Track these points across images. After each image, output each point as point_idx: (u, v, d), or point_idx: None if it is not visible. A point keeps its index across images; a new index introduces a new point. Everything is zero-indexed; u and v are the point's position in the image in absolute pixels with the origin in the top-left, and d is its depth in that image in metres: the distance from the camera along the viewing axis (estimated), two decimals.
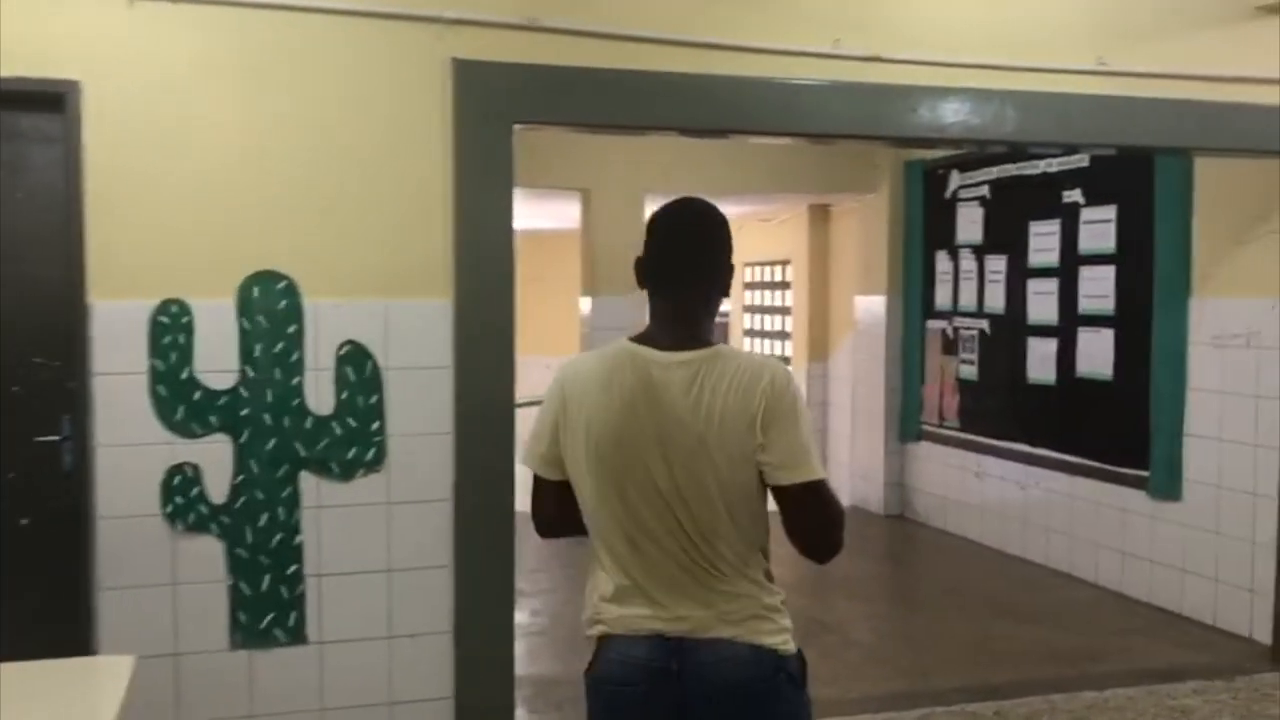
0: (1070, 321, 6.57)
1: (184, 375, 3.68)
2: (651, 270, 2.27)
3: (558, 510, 2.25)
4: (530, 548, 7.26)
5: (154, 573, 3.69)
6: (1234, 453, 5.50)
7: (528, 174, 7.78)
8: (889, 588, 6.64)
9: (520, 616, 5.69)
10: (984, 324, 7.41)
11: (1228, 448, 5.54)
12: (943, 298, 7.86)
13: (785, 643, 2.17)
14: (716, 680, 2.10)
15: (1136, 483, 6.08)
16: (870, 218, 8.49)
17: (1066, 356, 6.60)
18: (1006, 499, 7.19)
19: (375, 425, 3.85)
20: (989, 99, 4.43)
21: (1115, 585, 6.25)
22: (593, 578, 2.23)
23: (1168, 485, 5.87)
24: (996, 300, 7.27)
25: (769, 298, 10.84)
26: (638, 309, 7.14)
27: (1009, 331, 7.15)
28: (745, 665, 2.11)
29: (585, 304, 7.98)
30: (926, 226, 8.05)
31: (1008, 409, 7.18)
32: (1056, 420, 6.73)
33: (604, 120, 4.10)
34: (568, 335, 10.20)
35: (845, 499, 8.86)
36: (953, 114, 4.41)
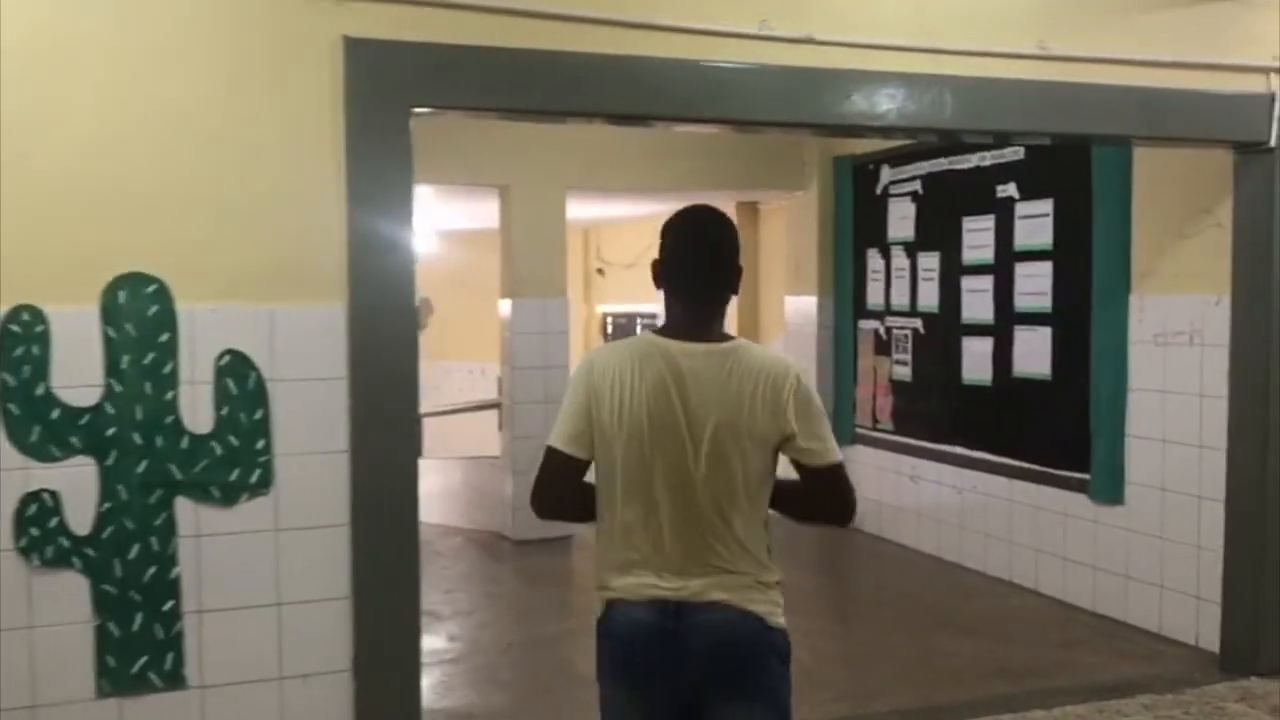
0: (1006, 320, 6.36)
1: (39, 391, 3.26)
2: (671, 273, 2.48)
3: (567, 490, 2.49)
4: (444, 566, 6.88)
5: (7, 615, 3.27)
6: (1178, 454, 5.31)
7: (439, 168, 7.44)
8: (825, 601, 6.37)
9: (435, 642, 5.33)
10: (917, 323, 7.19)
11: (1171, 449, 5.35)
12: (875, 297, 7.63)
13: (773, 613, 2.42)
14: (709, 638, 2.35)
15: (1077, 486, 5.88)
16: (799, 215, 8.24)
17: (1003, 356, 6.39)
18: (943, 504, 6.97)
19: (260, 444, 3.47)
20: (927, 85, 4.17)
21: (1057, 592, 6.04)
22: (602, 551, 2.47)
23: (1109, 488, 5.67)
24: (930, 299, 7.05)
25: None
26: (559, 313, 6.76)
27: (943, 331, 6.93)
28: (735, 627, 2.35)
29: (505, 307, 7.61)
30: (857, 224, 7.81)
31: (943, 411, 6.96)
32: (993, 422, 6.52)
33: (512, 105, 3.76)
34: (493, 340, 9.81)
35: None
36: (888, 100, 4.14)
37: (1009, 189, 6.35)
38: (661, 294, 2.50)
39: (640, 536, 2.39)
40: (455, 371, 14.34)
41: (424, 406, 14.53)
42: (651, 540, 2.38)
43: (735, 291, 2.50)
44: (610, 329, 12.60)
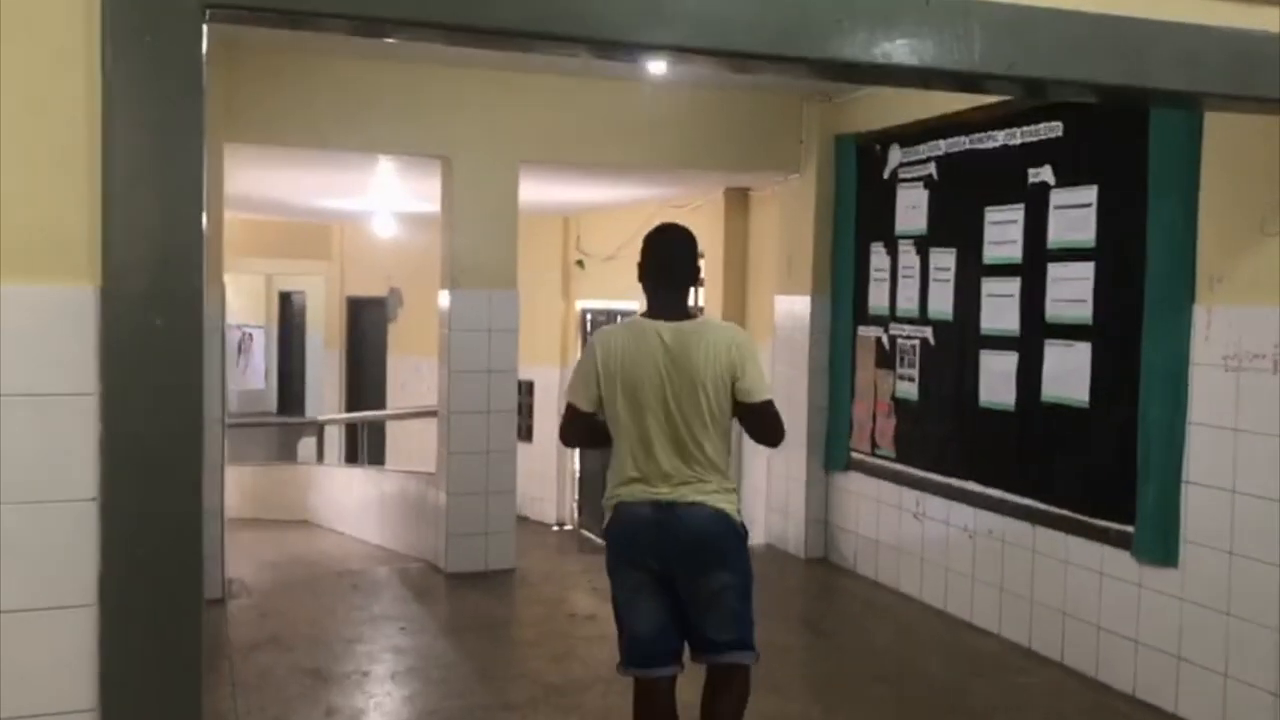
0: (1035, 332, 5.24)
1: None
2: (649, 273, 3.52)
3: (584, 432, 3.55)
4: (355, 605, 5.74)
5: None
6: (1250, 508, 4.19)
7: (368, 133, 6.35)
8: (808, 672, 5.25)
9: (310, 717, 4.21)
10: (927, 332, 6.06)
11: (1242, 501, 4.23)
12: (878, 300, 6.50)
13: (735, 511, 3.42)
14: (689, 526, 3.33)
15: (1118, 540, 4.76)
16: (793, 203, 7.12)
17: (1030, 376, 5.27)
18: (952, 548, 5.84)
19: None
20: (949, 13, 3.04)
21: (1088, 668, 4.93)
22: (614, 471, 3.44)
23: (1159, 546, 4.56)
24: (943, 304, 5.93)
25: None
26: (507, 308, 5.65)
27: (957, 342, 5.81)
28: (707, 519, 3.34)
29: (444, 299, 6.51)
30: (860, 213, 6.69)
31: (955, 438, 5.84)
32: (1015, 455, 5.40)
33: (334, 9, 2.62)
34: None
35: (759, 535, 7.50)
36: (897, 33, 3.02)
37: (1043, 173, 5.22)
38: (643, 287, 3.51)
39: (640, 459, 3.35)
40: (425, 368, 13.27)
41: (388, 406, 13.53)
42: (647, 461, 3.34)
43: (695, 284, 3.58)
44: (590, 328, 11.47)
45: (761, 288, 8.02)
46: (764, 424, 3.47)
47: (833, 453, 6.88)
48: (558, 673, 4.87)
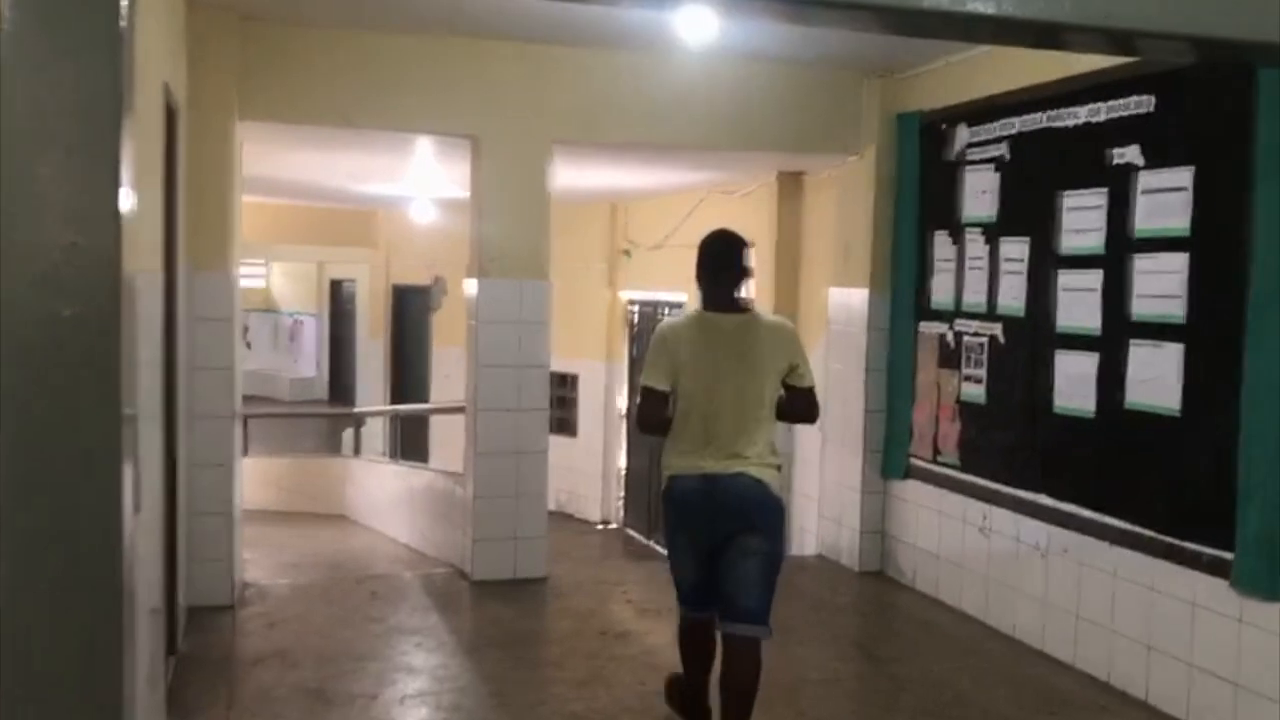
0: (1119, 330, 4.69)
1: None
2: (709, 273, 3.97)
3: (661, 413, 3.84)
4: (372, 617, 5.32)
5: None
6: None
7: (393, 112, 5.94)
8: (855, 704, 4.74)
9: None
10: (996, 329, 5.52)
11: None
12: (942, 293, 5.97)
13: (774, 484, 3.83)
14: (732, 492, 3.75)
15: (1214, 567, 4.21)
16: (851, 187, 6.59)
17: (1112, 379, 4.72)
18: (1022, 567, 5.31)
19: None
20: None
21: (1178, 711, 4.38)
22: (672, 445, 3.86)
23: (1262, 576, 4.01)
24: (1014, 298, 5.38)
25: None
26: (538, 299, 5.80)
27: (1030, 341, 5.27)
28: (749, 486, 3.76)
29: (470, 288, 6.08)
30: (924, 198, 6.15)
31: (1026, 446, 5.30)
32: (1094, 467, 4.85)
33: None
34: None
35: (810, 546, 7.02)
36: None
37: (1129, 153, 4.67)
38: (700, 285, 4.02)
39: (697, 436, 3.81)
40: (444, 358, 12.94)
41: (431, 397, 13.17)
42: (703, 438, 3.80)
43: (747, 278, 4.07)
44: (636, 320, 11.02)
45: (815, 279, 7.50)
46: (809, 405, 4.00)
47: (891, 459, 6.36)
48: (581, 699, 4.43)
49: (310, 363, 22.48)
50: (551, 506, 10.78)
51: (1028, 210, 5.32)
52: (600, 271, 11.09)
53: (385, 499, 9.39)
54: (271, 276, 23.62)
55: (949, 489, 5.88)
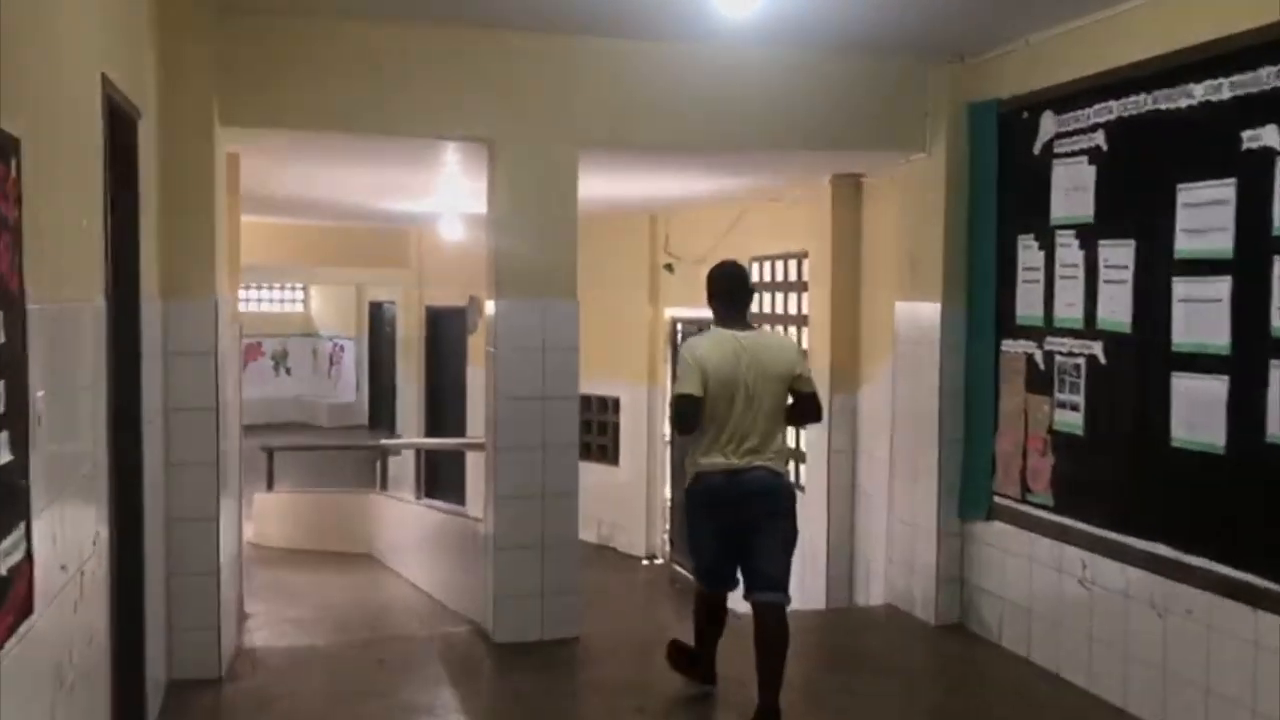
0: (1257, 348, 3.90)
1: None
2: (722, 299, 4.54)
3: (699, 417, 4.32)
4: (377, 692, 4.60)
5: None
6: None
7: (403, 116, 5.24)
8: None
9: None
10: (1095, 348, 4.73)
11: None
12: (1029, 306, 5.18)
13: (787, 474, 4.52)
14: (752, 484, 4.33)
15: None
16: (918, 189, 5.82)
17: (1247, 406, 3.93)
18: (1134, 629, 4.50)
19: None
20: None
21: None
22: (698, 446, 4.38)
23: None
24: (1118, 311, 4.60)
25: (779, 303, 8.18)
26: (565, 322, 5.24)
27: (1139, 361, 4.49)
28: (767, 478, 4.36)
29: (489, 310, 5.39)
30: (1004, 198, 5.37)
31: (1137, 485, 4.50)
32: (1228, 512, 4.05)
33: None
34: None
35: (877, 593, 6.25)
36: None
37: (1264, 135, 3.88)
38: (713, 307, 4.58)
39: (722, 438, 4.33)
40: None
41: (468, 424, 12.47)
42: (726, 439, 4.33)
43: (750, 301, 4.67)
44: (680, 338, 10.29)
45: (878, 293, 6.74)
46: (813, 407, 4.55)
47: (970, 497, 5.56)
48: None
49: (350, 388, 21.96)
50: (592, 539, 10.12)
51: (1133, 208, 4.54)
52: (641, 287, 10.38)
53: (409, 540, 8.73)
54: (311, 300, 23.17)
55: (1041, 532, 5.08)
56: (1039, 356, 5.10)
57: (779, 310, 8.16)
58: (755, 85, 5.42)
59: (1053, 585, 5.00)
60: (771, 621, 4.35)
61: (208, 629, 4.80)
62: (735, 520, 4.35)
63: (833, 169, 6.83)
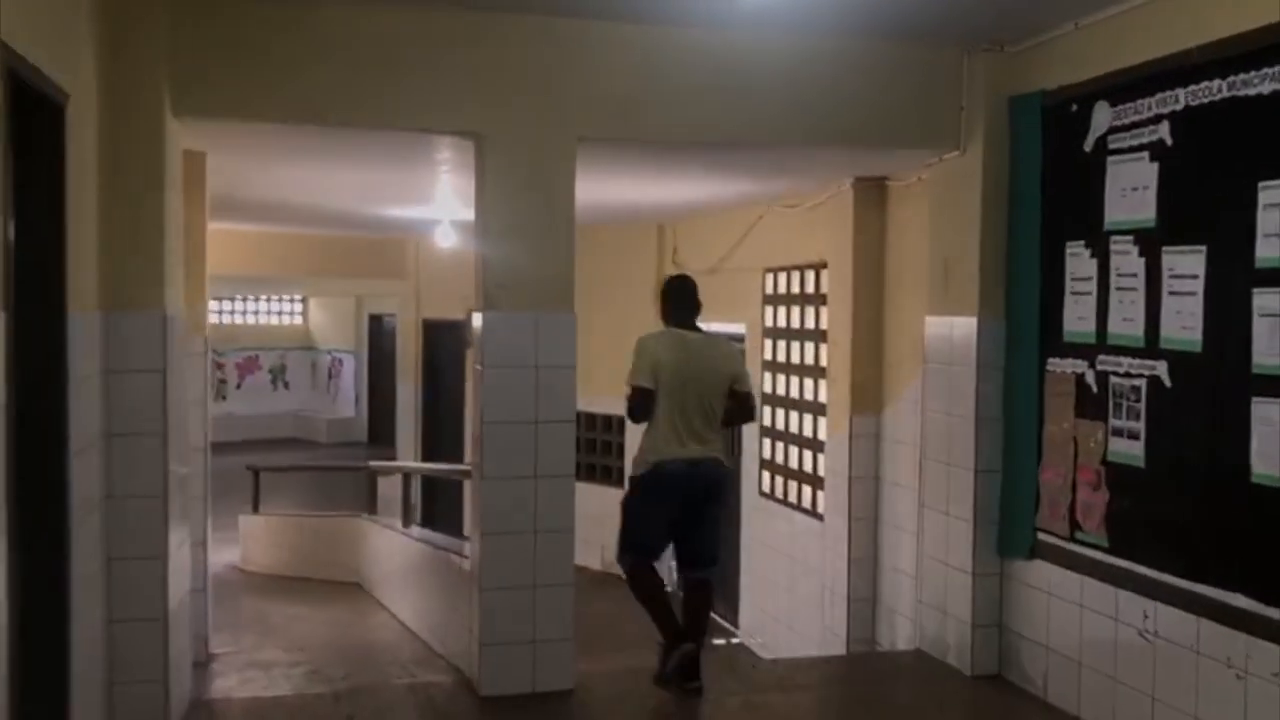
0: None
1: None
2: (676, 305, 5.03)
3: (652, 407, 4.76)
4: None
5: None
6: None
7: (381, 106, 4.71)
8: None
9: None
10: (1159, 368, 4.17)
11: None
12: (1078, 321, 4.62)
13: (727, 464, 5.02)
14: (705, 475, 4.82)
15: None
16: (951, 191, 5.27)
17: None
18: (1206, 690, 3.93)
19: None
20: None
21: None
22: (653, 436, 4.81)
23: None
24: (1185, 327, 4.04)
25: (795, 317, 7.62)
26: (560, 337, 4.81)
27: (1211, 383, 3.93)
28: (716, 468, 4.87)
29: (476, 323, 4.85)
30: (1049, 201, 4.82)
31: (1210, 526, 3.93)
32: None
33: None
34: None
35: (905, 637, 5.70)
36: None
37: None
38: (667, 312, 5.05)
39: (677, 428, 4.77)
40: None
41: (468, 445, 11.90)
42: (680, 431, 4.77)
43: (700, 310, 5.05)
44: None
45: (905, 306, 6.18)
46: (749, 407, 5.02)
47: (1010, 534, 5.00)
48: None
49: (349, 403, 21.41)
50: (596, 565, 9.55)
51: (1203, 210, 3.99)
52: (648, 301, 9.81)
53: (395, 571, 8.18)
54: (310, 312, 22.65)
55: (1093, 575, 4.52)
56: (1091, 377, 4.54)
57: (794, 325, 7.61)
58: (772, 76, 4.89)
59: (1107, 635, 4.43)
60: (701, 592, 5.00)
61: (153, 682, 4.26)
62: (685, 505, 4.84)
63: (855, 170, 6.29)
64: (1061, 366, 4.72)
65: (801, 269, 7.48)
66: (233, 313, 21.99)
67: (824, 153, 5.51)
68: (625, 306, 9.83)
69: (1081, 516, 4.58)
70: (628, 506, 4.94)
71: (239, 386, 21.82)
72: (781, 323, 7.81)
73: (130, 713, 4.19)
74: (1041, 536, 4.83)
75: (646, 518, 4.85)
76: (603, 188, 6.97)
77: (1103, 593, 4.46)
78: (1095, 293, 4.52)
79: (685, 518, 4.83)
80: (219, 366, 21.63)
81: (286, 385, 22.37)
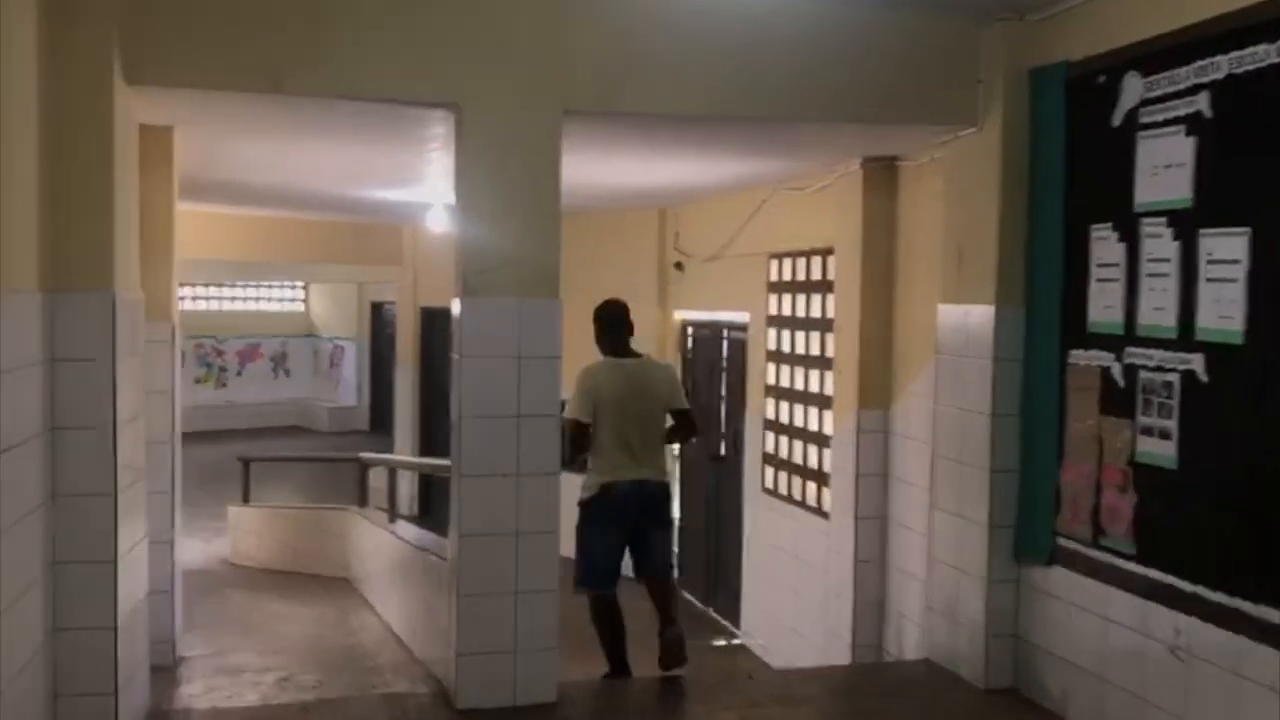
0: None
1: None
2: (610, 331, 5.28)
3: (586, 441, 5.03)
4: None
5: None
6: None
7: (346, 73, 4.30)
8: None
9: None
10: (1194, 361, 3.82)
11: None
12: (1104, 310, 4.28)
13: (671, 483, 5.67)
14: (651, 495, 5.12)
15: None
16: (966, 170, 4.93)
17: None
18: (1246, 715, 3.58)
19: None
20: None
21: None
22: (600, 461, 5.07)
23: None
24: (1225, 316, 3.69)
25: (800, 305, 7.28)
26: (545, 326, 4.43)
27: (1255, 378, 3.58)
28: (660, 488, 5.20)
29: (455, 310, 4.52)
30: (1072, 180, 4.47)
31: (1253, 535, 3.59)
32: None
33: None
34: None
35: (913, 645, 5.38)
36: None
37: None
38: (602, 339, 5.30)
39: (621, 452, 5.05)
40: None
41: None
42: (626, 453, 5.05)
43: (632, 333, 5.35)
44: (691, 344, 9.40)
45: (916, 293, 5.83)
46: (690, 422, 5.45)
47: (1028, 537, 4.66)
48: None
49: (351, 391, 21.11)
50: None
51: (1247, 188, 3.63)
52: (649, 289, 9.49)
53: (380, 569, 7.85)
54: (311, 300, 22.35)
55: (1118, 585, 4.17)
56: (1117, 371, 4.19)
57: (800, 313, 7.27)
58: (774, 45, 4.55)
59: (1134, 650, 4.09)
60: (660, 580, 5.27)
61: (102, 694, 3.94)
62: (635, 524, 5.09)
63: (865, 150, 5.93)
64: (1085, 359, 4.37)
65: (807, 255, 7.13)
66: (233, 299, 21.71)
67: (830, 129, 5.18)
68: (625, 295, 9.46)
69: (1106, 520, 4.24)
70: (580, 536, 5.12)
71: (240, 374, 21.58)
72: (786, 311, 7.47)
73: None
74: (1061, 541, 4.49)
75: (598, 546, 5.07)
76: (596, 168, 6.63)
77: (1129, 604, 4.11)
78: (1123, 279, 4.16)
79: (635, 537, 5.10)
80: (219, 354, 21.39)
81: (288, 373, 22.11)
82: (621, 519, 5.04)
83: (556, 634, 4.52)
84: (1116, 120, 4.20)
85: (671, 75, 4.51)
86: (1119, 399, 4.17)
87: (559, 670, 4.53)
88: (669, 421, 5.31)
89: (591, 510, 5.08)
